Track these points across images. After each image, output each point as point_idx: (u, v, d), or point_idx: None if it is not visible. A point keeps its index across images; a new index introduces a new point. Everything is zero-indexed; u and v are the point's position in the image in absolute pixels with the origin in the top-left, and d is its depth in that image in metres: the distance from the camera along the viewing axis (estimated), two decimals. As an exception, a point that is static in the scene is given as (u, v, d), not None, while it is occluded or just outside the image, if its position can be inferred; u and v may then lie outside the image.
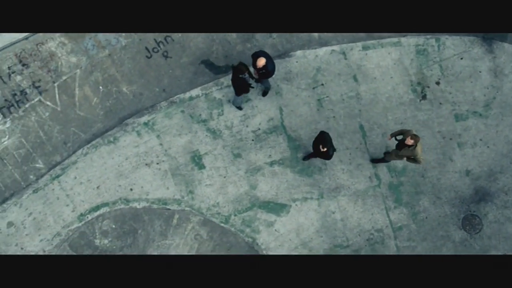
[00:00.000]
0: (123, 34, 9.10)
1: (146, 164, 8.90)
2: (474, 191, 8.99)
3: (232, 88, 8.56)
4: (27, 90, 8.91)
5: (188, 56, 9.24)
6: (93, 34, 9.07)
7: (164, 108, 9.08)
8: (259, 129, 9.07)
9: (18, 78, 8.89)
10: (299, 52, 9.33)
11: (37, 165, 8.88)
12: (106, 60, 9.11)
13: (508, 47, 9.32)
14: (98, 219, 8.75)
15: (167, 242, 8.64)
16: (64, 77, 9.00)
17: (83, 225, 8.73)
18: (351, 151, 9.06)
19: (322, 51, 9.33)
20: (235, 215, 8.84)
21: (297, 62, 9.28)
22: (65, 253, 8.61)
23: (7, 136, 8.85)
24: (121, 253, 8.60)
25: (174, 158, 8.93)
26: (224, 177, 8.93)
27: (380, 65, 9.28)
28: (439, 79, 9.24)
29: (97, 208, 8.78)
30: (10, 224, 8.68)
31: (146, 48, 9.18)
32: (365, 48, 9.33)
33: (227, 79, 9.14)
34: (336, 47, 9.34)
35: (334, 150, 7.90)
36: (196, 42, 9.22)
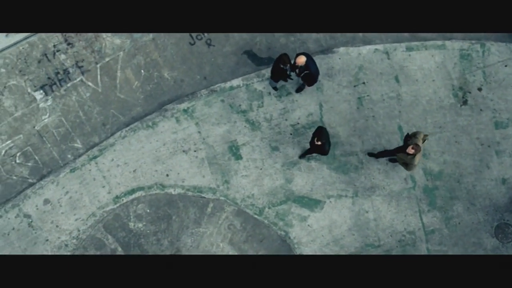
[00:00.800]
0: (169, 19, 9.07)
1: (184, 151, 8.92)
2: (509, 200, 8.97)
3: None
4: (70, 70, 8.91)
5: (231, 46, 9.20)
6: (138, 18, 9.04)
7: (204, 96, 9.08)
8: (298, 123, 9.06)
9: (62, 57, 8.89)
10: (342, 49, 9.28)
11: (75, 145, 8.92)
12: (150, 44, 9.09)
13: (553, 58, 9.25)
14: (133, 203, 8.79)
15: (201, 230, 8.68)
16: (107, 59, 9.00)
17: (118, 208, 8.78)
18: (388, 152, 9.04)
19: (366, 49, 9.28)
20: (269, 208, 8.86)
21: (339, 59, 9.24)
22: (99, 234, 8.67)
23: (48, 114, 8.87)
24: (154, 238, 8.65)
25: (211, 146, 8.94)
26: (261, 169, 8.94)
27: (422, 67, 9.22)
28: (481, 85, 9.19)
29: (132, 191, 8.82)
30: (46, 201, 8.73)
31: (190, 35, 9.15)
32: (408, 49, 9.27)
33: (268, 71, 9.10)
34: (379, 46, 9.28)
35: (329, 145, 7.98)
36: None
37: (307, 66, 7.97)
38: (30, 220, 8.67)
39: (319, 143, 7.65)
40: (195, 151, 8.94)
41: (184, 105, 9.04)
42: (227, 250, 8.64)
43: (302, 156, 8.91)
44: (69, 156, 8.89)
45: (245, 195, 8.87)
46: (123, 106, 9.02)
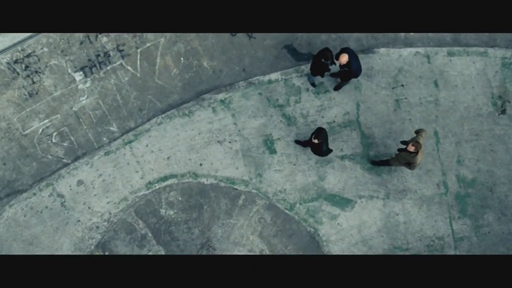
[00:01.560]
0: (212, 8, 9.03)
1: (218, 142, 8.92)
2: (541, 213, 8.94)
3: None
4: (111, 53, 8.91)
5: (272, 39, 9.16)
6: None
7: (242, 88, 9.06)
8: (334, 121, 9.03)
9: (104, 39, 8.88)
10: (383, 50, 9.22)
11: (111, 128, 8.94)
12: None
13: None
14: (166, 190, 8.82)
15: (232, 221, 8.71)
16: (148, 44, 8.99)
17: (150, 193, 8.81)
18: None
19: (407, 51, 9.21)
20: (300, 204, 8.87)
21: (380, 59, 9.18)
22: (130, 218, 8.71)
23: (86, 96, 8.90)
24: (185, 226, 8.68)
25: (246, 139, 8.94)
26: (294, 164, 8.94)
27: (463, 73, 9.15)
28: (521, 95, 9.12)
29: (165, 178, 8.85)
30: (80, 182, 8.78)
31: (232, 26, 9.11)
32: (450, 54, 9.19)
33: (308, 67, 9.07)
34: (421, 49, 9.21)
35: (330, 150, 8.13)
36: (282, 26, 9.13)
37: (349, 63, 7.93)
38: (63, 200, 8.73)
39: (316, 141, 7.70)
40: (230, 142, 8.94)
41: (221, 96, 9.03)
42: (257, 243, 8.68)
43: (297, 142, 8.88)
44: (104, 139, 8.92)
45: (277, 190, 8.88)
46: (160, 93, 9.02)
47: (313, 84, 9.06)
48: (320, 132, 7.80)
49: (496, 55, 9.20)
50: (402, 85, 9.13)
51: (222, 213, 8.73)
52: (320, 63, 8.03)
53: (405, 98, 9.11)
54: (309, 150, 8.93)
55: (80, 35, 8.84)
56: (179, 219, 8.71)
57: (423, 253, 8.87)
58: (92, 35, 8.85)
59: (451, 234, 8.93)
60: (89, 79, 8.90)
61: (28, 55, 8.74)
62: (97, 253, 8.60)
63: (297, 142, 8.87)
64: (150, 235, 8.64)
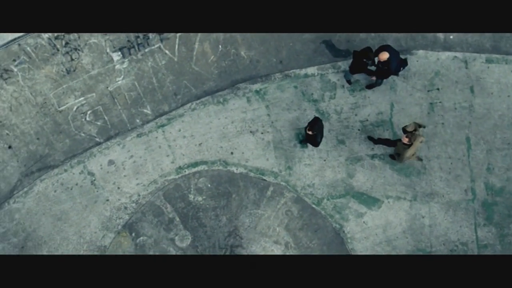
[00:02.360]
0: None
1: (251, 132, 8.95)
2: None
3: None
4: (150, 35, 8.91)
5: (311, 33, 9.13)
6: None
7: (278, 80, 9.06)
8: (367, 120, 9.03)
9: (145, 21, 8.88)
10: (421, 52, 9.19)
11: (145, 111, 8.97)
12: (231, 20, 9.04)
13: None
14: (195, 175, 8.87)
15: (259, 212, 8.76)
16: (187, 29, 8.97)
17: (179, 178, 8.87)
18: (452, 161, 9.02)
19: (445, 55, 9.18)
20: (327, 199, 8.91)
21: (417, 61, 9.15)
22: (158, 202, 8.78)
23: (122, 76, 8.92)
24: (213, 213, 8.74)
25: (279, 131, 8.96)
26: (324, 160, 8.96)
27: (500, 81, 9.12)
28: (557, 107, 9.09)
29: (195, 164, 8.89)
30: (111, 162, 8.84)
31: (272, 17, 9.08)
32: (488, 61, 9.15)
33: (345, 64, 9.06)
34: (459, 54, 9.17)
35: (321, 138, 8.07)
36: (323, 20, 9.10)
37: (388, 62, 7.91)
38: (93, 179, 8.79)
39: (310, 133, 7.70)
40: (262, 133, 8.96)
41: (257, 86, 9.04)
42: (283, 235, 8.73)
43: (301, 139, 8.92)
44: (137, 120, 8.95)
45: (305, 184, 8.91)
46: (196, 79, 9.03)
47: (349, 82, 9.05)
48: (315, 123, 7.75)
49: (535, 65, 9.15)
50: (438, 89, 9.11)
51: (250, 203, 8.78)
52: (360, 62, 8.01)
53: (440, 102, 9.09)
54: (340, 147, 8.96)
55: (121, 16, 8.83)
56: (207, 205, 8.77)
57: (446, 257, 8.91)
58: (133, 16, 8.83)
59: (475, 240, 8.96)
60: (126, 60, 8.91)
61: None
62: (124, 234, 8.68)
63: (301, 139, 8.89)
64: (177, 219, 8.70)
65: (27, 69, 8.70)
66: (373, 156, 8.99)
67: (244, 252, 8.64)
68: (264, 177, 8.90)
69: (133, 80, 8.94)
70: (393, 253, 8.87)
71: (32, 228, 8.68)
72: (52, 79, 8.78)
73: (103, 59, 8.86)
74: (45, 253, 8.63)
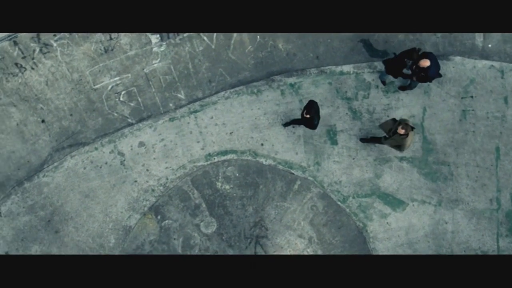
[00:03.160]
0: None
1: (282, 125, 8.97)
2: None
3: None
4: (190, 20, 8.89)
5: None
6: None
7: (313, 75, 9.07)
8: (399, 122, 9.04)
9: (186, 6, 8.87)
10: (458, 58, 9.18)
11: (179, 95, 9.00)
12: (271, 12, 9.02)
13: None
14: (224, 164, 8.91)
15: (285, 204, 8.82)
16: (227, 17, 8.96)
17: (208, 165, 8.91)
18: (480, 170, 9.04)
19: (481, 63, 9.17)
20: (353, 198, 8.96)
21: (453, 67, 9.14)
22: (185, 187, 8.83)
23: (159, 59, 8.93)
24: (240, 202, 8.80)
25: (310, 126, 8.98)
26: (353, 158, 9.00)
27: (534, 94, 9.12)
28: None
29: (225, 152, 8.93)
30: (141, 144, 8.88)
31: (313, 12, 9.06)
32: (524, 72, 9.15)
33: (381, 64, 9.05)
34: (496, 64, 9.16)
35: (318, 120, 8.02)
36: (363, 19, 9.08)
37: (428, 68, 7.92)
38: (123, 159, 8.84)
39: (308, 116, 7.70)
40: (293, 127, 8.99)
41: (292, 80, 9.05)
42: (307, 229, 8.80)
43: (286, 124, 8.84)
44: (170, 104, 8.98)
45: (332, 180, 8.96)
46: (232, 67, 9.04)
47: (383, 82, 9.06)
48: (311, 106, 7.73)
49: None
50: (472, 97, 9.11)
51: (277, 195, 8.83)
52: (401, 62, 8.00)
53: (472, 110, 9.10)
54: (370, 146, 8.99)
55: (163, -2, 8.82)
56: (234, 194, 8.82)
57: (465, 264, 8.97)
58: (176, 0, 8.82)
59: (496, 250, 9.02)
60: (164, 43, 8.92)
61: (110, 11, 8.75)
62: (150, 216, 8.75)
63: (287, 124, 8.81)
64: (204, 205, 8.77)
65: (66, 45, 8.71)
66: (401, 159, 9.02)
67: (268, 244, 8.72)
68: (292, 171, 8.94)
69: (169, 64, 8.95)
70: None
71: (59, 203, 8.76)
72: (89, 56, 8.80)
73: (142, 40, 8.87)
74: (71, 228, 8.71)
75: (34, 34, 8.63)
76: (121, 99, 8.90)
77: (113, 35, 8.76)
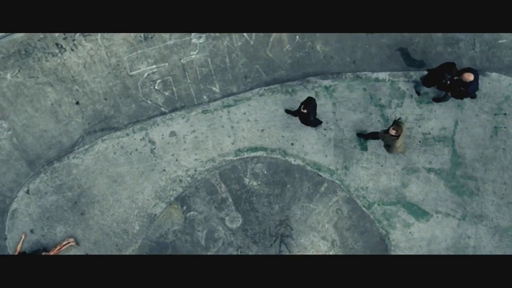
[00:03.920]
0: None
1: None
2: None
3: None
4: (231, 15, 8.90)
5: (388, 39, 9.13)
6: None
7: (348, 79, 9.08)
8: (430, 133, 9.06)
9: (229, 0, 8.87)
10: (494, 75, 9.17)
11: (213, 88, 9.02)
12: (313, 13, 9.02)
13: None
14: (253, 160, 8.94)
15: (311, 206, 8.85)
16: (268, 15, 8.97)
17: (237, 160, 8.94)
18: (507, 187, 9.06)
19: (517, 81, 9.17)
20: (378, 205, 8.99)
21: (489, 83, 9.14)
22: (213, 180, 8.87)
23: (197, 51, 8.95)
24: (266, 200, 8.83)
25: (341, 130, 9.00)
26: (381, 166, 9.02)
27: None
28: None
29: (255, 149, 8.96)
30: (172, 133, 8.92)
31: (354, 16, 9.06)
32: (559, 94, 9.14)
33: (417, 74, 9.07)
34: (531, 83, 9.16)
35: (319, 121, 8.48)
36: (402, 27, 9.08)
37: (469, 84, 7.93)
38: (154, 147, 8.88)
39: (305, 111, 7.84)
40: (325, 129, 9.01)
41: (327, 82, 9.06)
42: (331, 232, 8.84)
43: (287, 111, 8.91)
44: (204, 97, 9.00)
45: (359, 186, 8.99)
46: (268, 65, 9.06)
47: (418, 93, 9.06)
48: (310, 102, 7.87)
49: None
50: (505, 114, 9.11)
51: (303, 196, 8.86)
52: (439, 76, 8.01)
53: (505, 127, 9.10)
54: (398, 155, 9.01)
55: (207, -9, 8.83)
56: (261, 191, 8.86)
57: (484, 280, 9.00)
58: (219, -6, 8.83)
59: (516, 268, 9.03)
60: (204, 35, 8.93)
61: (153, -1, 8.76)
62: (175, 206, 8.79)
63: (287, 111, 8.90)
64: (230, 200, 8.81)
65: (108, 29, 8.73)
66: (429, 170, 9.04)
67: (293, 243, 8.76)
68: (320, 173, 8.97)
69: (207, 57, 8.97)
70: (434, 267, 8.96)
71: (87, 185, 8.81)
72: (128, 42, 8.82)
73: (182, 31, 8.88)
74: (96, 211, 8.76)
75: (76, 16, 8.65)
76: (156, 87, 8.93)
77: (154, 23, 8.77)
